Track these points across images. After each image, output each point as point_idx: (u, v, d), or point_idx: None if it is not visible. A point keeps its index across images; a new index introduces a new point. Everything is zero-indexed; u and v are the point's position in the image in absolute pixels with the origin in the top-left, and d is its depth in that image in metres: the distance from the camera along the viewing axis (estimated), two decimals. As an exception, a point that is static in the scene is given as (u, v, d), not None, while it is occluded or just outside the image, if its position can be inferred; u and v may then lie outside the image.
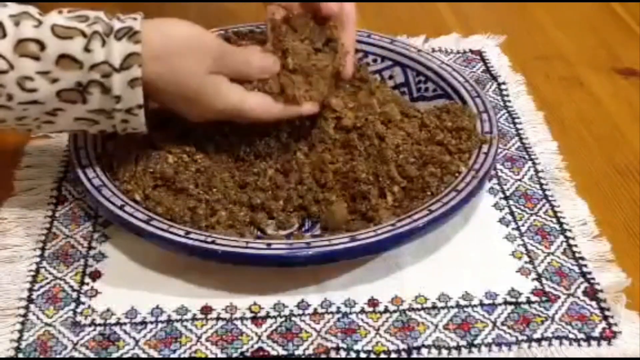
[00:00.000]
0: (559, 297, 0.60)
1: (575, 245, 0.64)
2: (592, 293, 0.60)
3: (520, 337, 0.57)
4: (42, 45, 0.54)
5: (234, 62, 0.62)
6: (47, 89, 0.55)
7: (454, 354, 0.56)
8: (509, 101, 0.80)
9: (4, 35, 0.54)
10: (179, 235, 0.57)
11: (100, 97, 0.56)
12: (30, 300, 0.59)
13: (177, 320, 0.58)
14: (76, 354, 0.55)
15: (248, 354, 0.56)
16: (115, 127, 0.59)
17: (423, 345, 0.56)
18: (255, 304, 0.59)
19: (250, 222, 0.63)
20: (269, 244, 0.57)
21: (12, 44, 0.54)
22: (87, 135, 0.66)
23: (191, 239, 0.57)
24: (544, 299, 0.60)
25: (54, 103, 0.56)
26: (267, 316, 0.58)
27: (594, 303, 0.59)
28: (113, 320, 0.58)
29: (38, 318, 0.58)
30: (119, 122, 0.58)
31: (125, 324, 0.57)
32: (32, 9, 0.55)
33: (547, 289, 0.60)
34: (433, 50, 0.87)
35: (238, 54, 0.63)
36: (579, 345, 0.56)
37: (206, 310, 0.59)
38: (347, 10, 0.68)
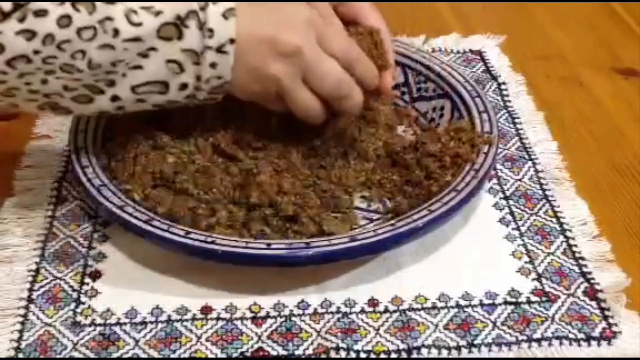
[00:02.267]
0: (559, 297, 0.60)
1: (575, 245, 0.64)
2: (592, 293, 0.60)
3: (520, 337, 0.57)
4: None
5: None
6: (150, 23, 0.54)
7: (454, 354, 0.56)
8: (509, 101, 0.80)
9: None
10: (179, 235, 0.57)
11: (196, 32, 0.55)
12: (30, 300, 0.59)
13: (177, 320, 0.58)
14: (76, 354, 0.55)
15: (248, 354, 0.56)
16: (199, 78, 0.57)
17: (423, 345, 0.56)
18: (255, 304, 0.59)
19: (247, 222, 0.63)
20: (269, 244, 0.57)
21: None
22: (87, 135, 0.66)
23: (191, 239, 0.57)
24: (544, 299, 0.60)
25: (152, 40, 0.55)
26: (267, 316, 0.58)
27: (594, 303, 0.59)
28: (113, 320, 0.58)
29: (38, 318, 0.58)
30: (207, 66, 0.57)
31: (125, 324, 0.57)
32: None
33: (547, 289, 0.60)
34: (433, 50, 0.87)
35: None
36: (579, 345, 0.56)
37: (206, 310, 0.59)
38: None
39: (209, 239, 0.57)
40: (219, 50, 0.56)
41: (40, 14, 0.51)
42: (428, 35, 0.90)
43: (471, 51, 0.88)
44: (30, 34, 0.51)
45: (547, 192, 0.69)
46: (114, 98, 0.57)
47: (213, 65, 0.57)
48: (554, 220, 0.66)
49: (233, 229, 0.61)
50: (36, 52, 0.52)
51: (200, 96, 0.59)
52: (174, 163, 0.63)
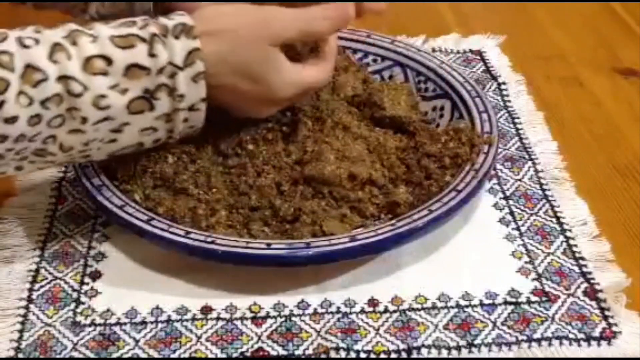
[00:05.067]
0: (559, 297, 0.60)
1: (575, 245, 0.64)
2: (592, 293, 0.60)
3: (520, 337, 0.57)
4: (108, 60, 0.53)
5: (300, 21, 0.59)
6: (118, 103, 0.54)
7: (454, 354, 0.56)
8: (509, 101, 0.80)
9: (69, 57, 0.52)
10: (179, 235, 0.57)
11: (166, 100, 0.55)
12: (30, 300, 0.59)
13: (177, 320, 0.58)
14: (76, 354, 0.55)
15: (248, 354, 0.56)
16: (172, 131, 0.58)
17: (423, 345, 0.56)
18: (255, 304, 0.59)
19: (247, 222, 0.63)
20: (269, 244, 0.57)
21: (80, 65, 0.52)
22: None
23: (191, 239, 0.57)
24: (544, 299, 0.60)
25: (124, 117, 0.55)
26: (267, 316, 0.58)
27: (594, 303, 0.59)
28: (113, 320, 0.58)
29: (38, 318, 0.58)
30: (180, 122, 0.57)
31: (125, 324, 0.57)
32: (74, 25, 0.54)
33: (547, 289, 0.60)
34: (433, 50, 0.87)
35: (301, 13, 0.60)
36: (579, 345, 0.56)
37: (206, 310, 0.59)
38: None
39: (209, 239, 0.57)
40: (191, 109, 0.57)
41: (11, 121, 0.51)
42: (428, 35, 0.90)
43: (471, 51, 0.88)
44: (2, 138, 0.51)
45: (547, 192, 0.69)
46: (91, 161, 0.61)
47: (186, 120, 0.58)
48: (554, 220, 0.66)
49: (233, 229, 0.61)
50: (9, 150, 0.52)
51: (172, 140, 0.60)
52: (174, 163, 0.63)
